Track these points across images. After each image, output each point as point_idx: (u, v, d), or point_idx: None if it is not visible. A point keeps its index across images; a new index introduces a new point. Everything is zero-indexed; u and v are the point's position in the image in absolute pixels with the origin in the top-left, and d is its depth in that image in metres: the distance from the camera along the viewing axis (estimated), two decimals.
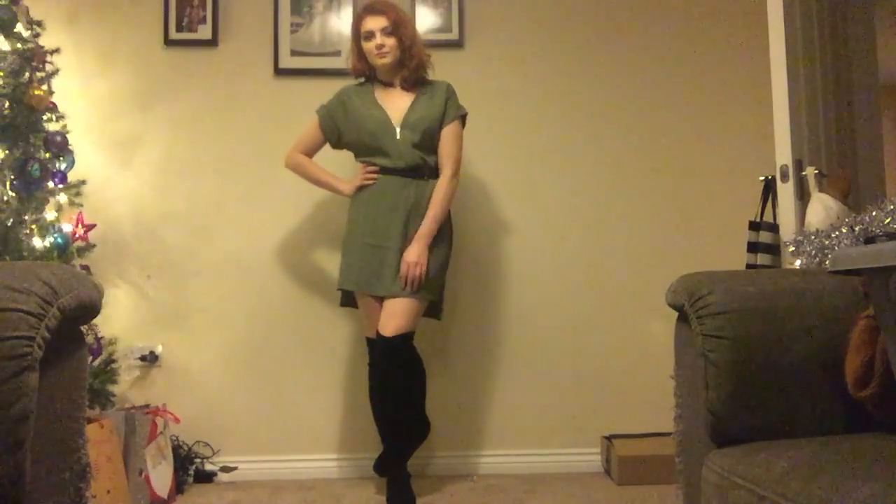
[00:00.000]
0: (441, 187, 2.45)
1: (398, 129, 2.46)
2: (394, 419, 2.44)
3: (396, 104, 2.50)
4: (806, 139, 2.33)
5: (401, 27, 2.47)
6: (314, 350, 2.89)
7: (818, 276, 1.45)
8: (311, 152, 2.60)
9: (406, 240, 2.41)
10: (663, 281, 1.61)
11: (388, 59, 2.47)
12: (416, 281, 2.36)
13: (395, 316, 2.38)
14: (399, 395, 2.43)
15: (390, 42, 2.45)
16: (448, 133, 2.49)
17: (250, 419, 2.86)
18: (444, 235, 2.50)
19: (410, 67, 2.49)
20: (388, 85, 2.55)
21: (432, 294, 2.47)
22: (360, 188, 2.49)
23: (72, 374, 1.22)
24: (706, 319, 1.36)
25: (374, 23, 2.45)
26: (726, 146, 3.02)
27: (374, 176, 2.47)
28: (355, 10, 2.97)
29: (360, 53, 2.53)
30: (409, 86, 2.52)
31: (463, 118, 2.55)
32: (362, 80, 2.59)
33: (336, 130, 2.56)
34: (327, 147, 2.62)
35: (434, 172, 2.50)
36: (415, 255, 2.36)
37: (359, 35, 2.50)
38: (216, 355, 2.88)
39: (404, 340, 2.39)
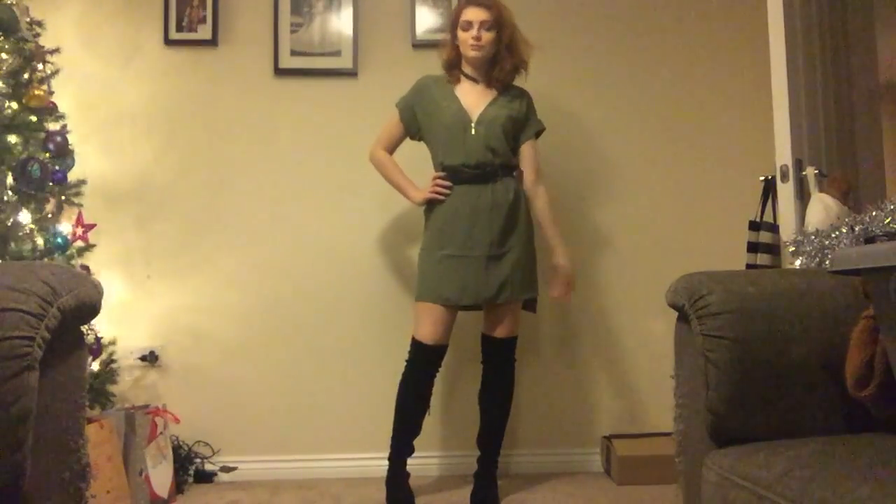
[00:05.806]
0: (543, 199, 2.52)
1: (473, 125, 2.44)
2: (493, 420, 2.54)
3: (475, 100, 2.47)
4: (806, 139, 2.33)
5: (503, 26, 2.44)
6: (314, 350, 2.89)
7: (818, 276, 1.45)
8: (392, 147, 2.59)
9: (493, 245, 2.40)
10: (663, 281, 1.61)
11: (480, 54, 2.43)
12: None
13: (508, 320, 2.47)
14: (505, 393, 2.53)
15: (487, 37, 2.42)
16: (531, 147, 2.52)
17: (250, 419, 2.86)
18: (530, 234, 2.50)
19: (505, 69, 2.46)
20: (471, 80, 2.51)
21: (535, 290, 2.52)
22: (431, 201, 2.47)
23: (72, 374, 1.22)
24: (706, 319, 1.36)
25: (476, 14, 2.42)
26: (726, 146, 3.02)
27: (446, 191, 2.43)
28: (356, 9, 2.98)
29: (454, 43, 2.49)
30: (495, 85, 2.49)
31: (539, 133, 2.57)
32: (444, 74, 2.54)
33: (416, 121, 2.54)
34: (411, 146, 2.61)
35: (505, 172, 2.47)
36: (570, 261, 2.51)
37: (457, 24, 2.47)
38: (216, 355, 2.88)
39: (515, 343, 2.52)
